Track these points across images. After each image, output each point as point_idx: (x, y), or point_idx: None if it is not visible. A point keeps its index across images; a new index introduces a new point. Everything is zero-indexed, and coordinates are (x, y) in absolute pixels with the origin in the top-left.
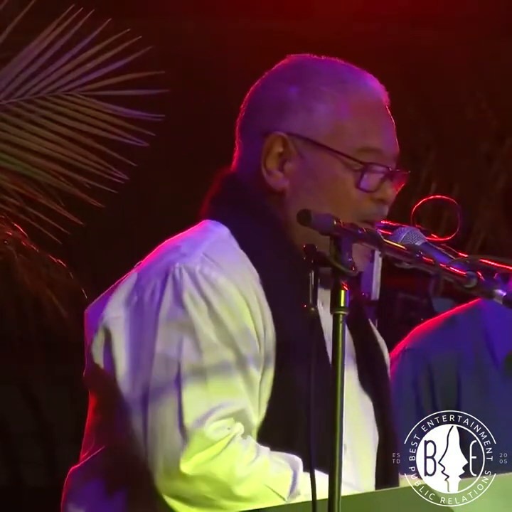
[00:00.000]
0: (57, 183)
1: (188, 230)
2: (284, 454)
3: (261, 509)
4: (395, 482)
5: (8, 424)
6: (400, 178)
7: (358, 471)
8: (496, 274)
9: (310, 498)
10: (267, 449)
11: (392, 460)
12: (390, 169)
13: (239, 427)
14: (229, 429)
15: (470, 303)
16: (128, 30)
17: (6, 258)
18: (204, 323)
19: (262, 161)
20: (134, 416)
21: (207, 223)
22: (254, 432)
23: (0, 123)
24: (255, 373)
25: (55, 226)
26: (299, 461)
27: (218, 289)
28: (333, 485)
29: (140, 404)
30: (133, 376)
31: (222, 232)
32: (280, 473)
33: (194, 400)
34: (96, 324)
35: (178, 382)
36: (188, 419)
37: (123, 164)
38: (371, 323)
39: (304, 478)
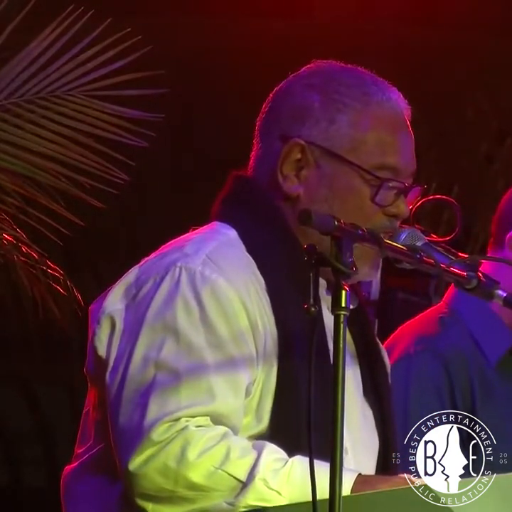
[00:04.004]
0: (58, 183)
1: (197, 230)
2: (259, 441)
3: (261, 509)
4: None
5: (8, 424)
6: (414, 193)
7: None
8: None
9: (270, 478)
10: (238, 438)
11: (391, 463)
12: (406, 185)
13: (203, 421)
14: (185, 427)
15: (441, 306)
16: (128, 30)
17: (5, 259)
18: (191, 327)
19: (278, 166)
20: (111, 413)
21: (216, 225)
22: (239, 434)
23: (0, 123)
24: (243, 377)
25: (56, 226)
26: (265, 443)
27: (215, 291)
28: (334, 485)
29: (116, 402)
30: (116, 372)
31: (230, 235)
32: (241, 457)
33: (161, 402)
34: (98, 317)
35: (151, 384)
36: (147, 421)
37: (123, 164)
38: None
39: (267, 457)
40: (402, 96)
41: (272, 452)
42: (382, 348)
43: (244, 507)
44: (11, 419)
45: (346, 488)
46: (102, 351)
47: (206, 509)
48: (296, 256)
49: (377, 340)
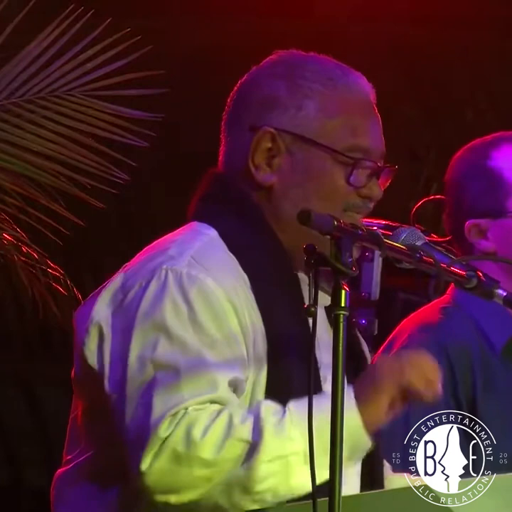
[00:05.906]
0: (58, 183)
1: (176, 231)
2: (254, 405)
3: (261, 509)
4: (380, 487)
5: (8, 424)
6: (386, 174)
7: (344, 476)
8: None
9: (277, 430)
10: (236, 407)
11: (376, 465)
12: (379, 165)
13: (202, 405)
14: (185, 413)
15: (444, 298)
16: (128, 30)
17: (5, 259)
18: (181, 327)
19: (249, 156)
20: (118, 418)
21: (195, 225)
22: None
23: (0, 123)
24: (237, 375)
25: (56, 226)
26: (260, 402)
27: (204, 291)
28: (333, 485)
29: (120, 406)
30: (114, 378)
31: (211, 234)
32: (244, 421)
33: (164, 399)
34: (86, 325)
35: (151, 382)
36: (153, 420)
37: (123, 164)
38: (355, 329)
39: (266, 412)
40: (365, 79)
41: (269, 406)
42: (365, 344)
43: (260, 475)
44: (11, 419)
45: (355, 419)
46: (92, 361)
47: (226, 481)
48: (272, 249)
49: (360, 337)
